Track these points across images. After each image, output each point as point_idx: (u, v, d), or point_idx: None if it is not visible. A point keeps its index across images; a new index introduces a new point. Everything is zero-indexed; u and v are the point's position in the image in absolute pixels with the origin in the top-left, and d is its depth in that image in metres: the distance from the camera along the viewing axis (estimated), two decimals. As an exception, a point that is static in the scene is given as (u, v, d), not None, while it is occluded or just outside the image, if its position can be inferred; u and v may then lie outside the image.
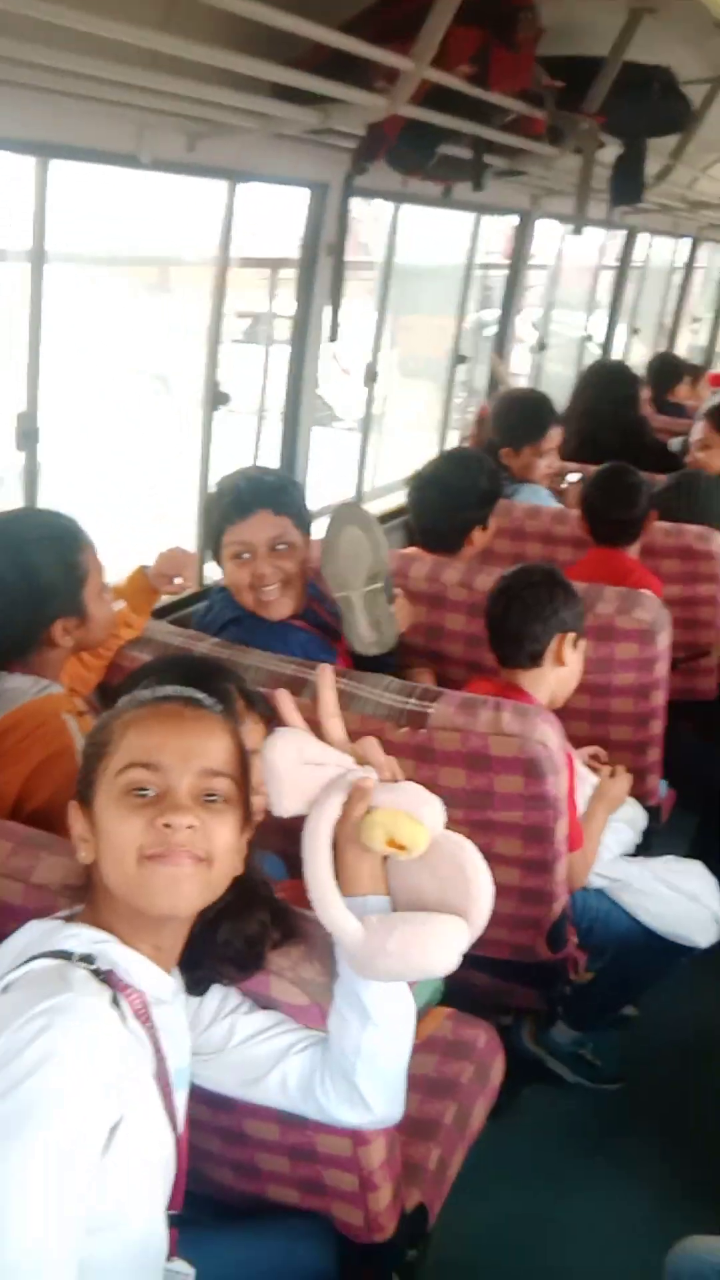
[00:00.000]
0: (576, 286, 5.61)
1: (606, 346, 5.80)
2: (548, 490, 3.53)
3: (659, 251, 6.27)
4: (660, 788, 2.69)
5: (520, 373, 5.10)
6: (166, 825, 1.15)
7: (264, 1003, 1.35)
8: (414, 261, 4.19)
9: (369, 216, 4.04)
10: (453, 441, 4.32)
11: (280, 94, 2.09)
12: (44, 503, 2.28)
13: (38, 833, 1.48)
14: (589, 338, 5.70)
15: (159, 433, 5.88)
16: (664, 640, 2.52)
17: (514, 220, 4.35)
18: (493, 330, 4.63)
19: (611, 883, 2.31)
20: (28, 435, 2.24)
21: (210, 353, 2.79)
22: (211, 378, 2.80)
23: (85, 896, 1.25)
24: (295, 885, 1.31)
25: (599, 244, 5.48)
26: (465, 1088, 1.77)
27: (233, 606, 2.25)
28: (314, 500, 2.47)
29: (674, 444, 4.24)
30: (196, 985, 1.32)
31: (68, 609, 1.78)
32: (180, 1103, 1.25)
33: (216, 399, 2.80)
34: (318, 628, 2.30)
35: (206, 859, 1.18)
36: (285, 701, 1.31)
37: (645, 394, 4.44)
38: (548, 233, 4.78)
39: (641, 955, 2.33)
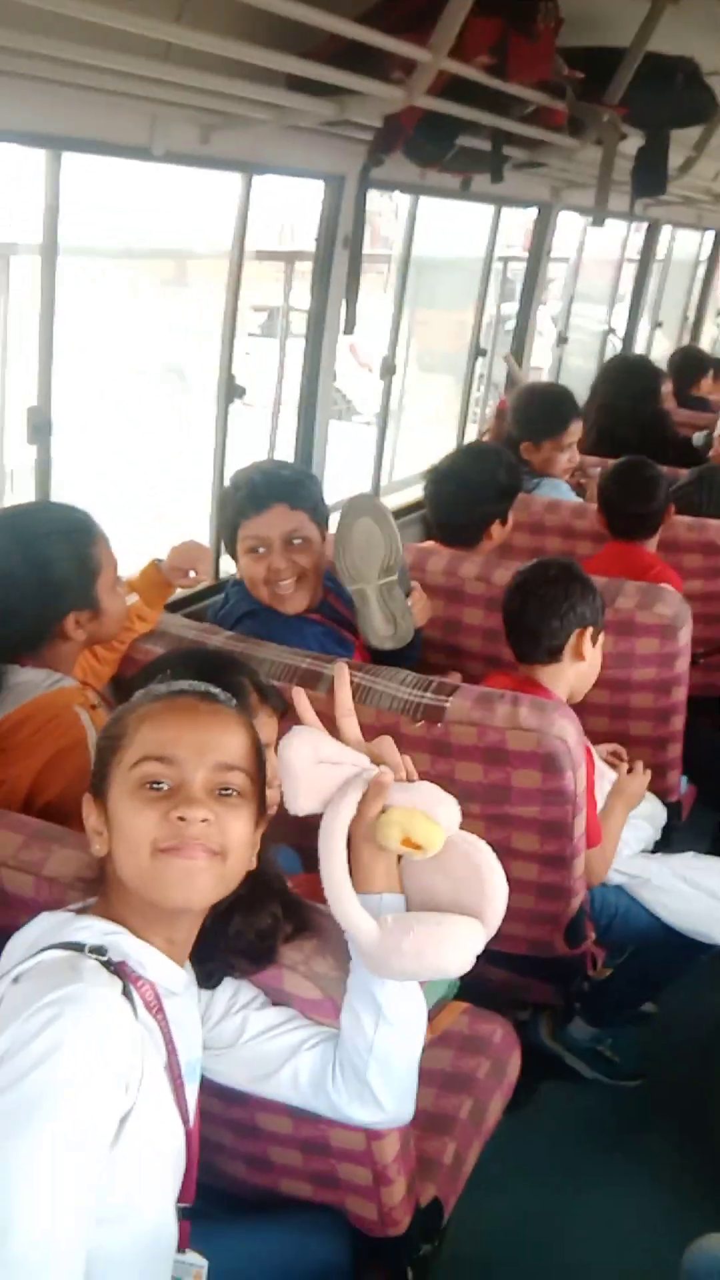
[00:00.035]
0: (599, 280, 5.58)
1: (628, 340, 5.77)
2: (568, 485, 3.50)
3: (683, 244, 6.23)
4: (681, 784, 2.67)
5: (541, 366, 5.08)
6: (181, 818, 1.15)
7: (276, 996, 1.35)
8: (434, 254, 4.18)
9: (389, 210, 4.03)
10: (472, 435, 4.30)
11: (295, 85, 2.08)
12: (57, 497, 2.28)
13: (50, 826, 1.48)
14: (611, 331, 5.67)
15: (165, 430, 5.89)
16: (685, 635, 2.50)
17: (535, 213, 4.32)
18: (514, 324, 4.61)
19: (631, 879, 2.29)
20: (40, 429, 2.25)
21: (225, 346, 2.79)
22: (226, 371, 2.80)
23: (98, 890, 1.25)
24: (311, 879, 1.31)
25: (621, 237, 5.44)
26: (481, 1083, 1.76)
27: (248, 600, 2.25)
28: (332, 494, 2.46)
29: (697, 438, 4.21)
30: (208, 978, 1.32)
31: (80, 602, 1.78)
32: (191, 1095, 1.25)
33: (232, 392, 2.80)
34: (334, 621, 2.29)
35: (221, 852, 1.18)
36: (301, 700, 1.30)
37: (667, 388, 4.41)
38: (570, 226, 4.75)
39: (661, 952, 2.31)
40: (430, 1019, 1.71)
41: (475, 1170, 1.70)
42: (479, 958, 1.25)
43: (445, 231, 4.09)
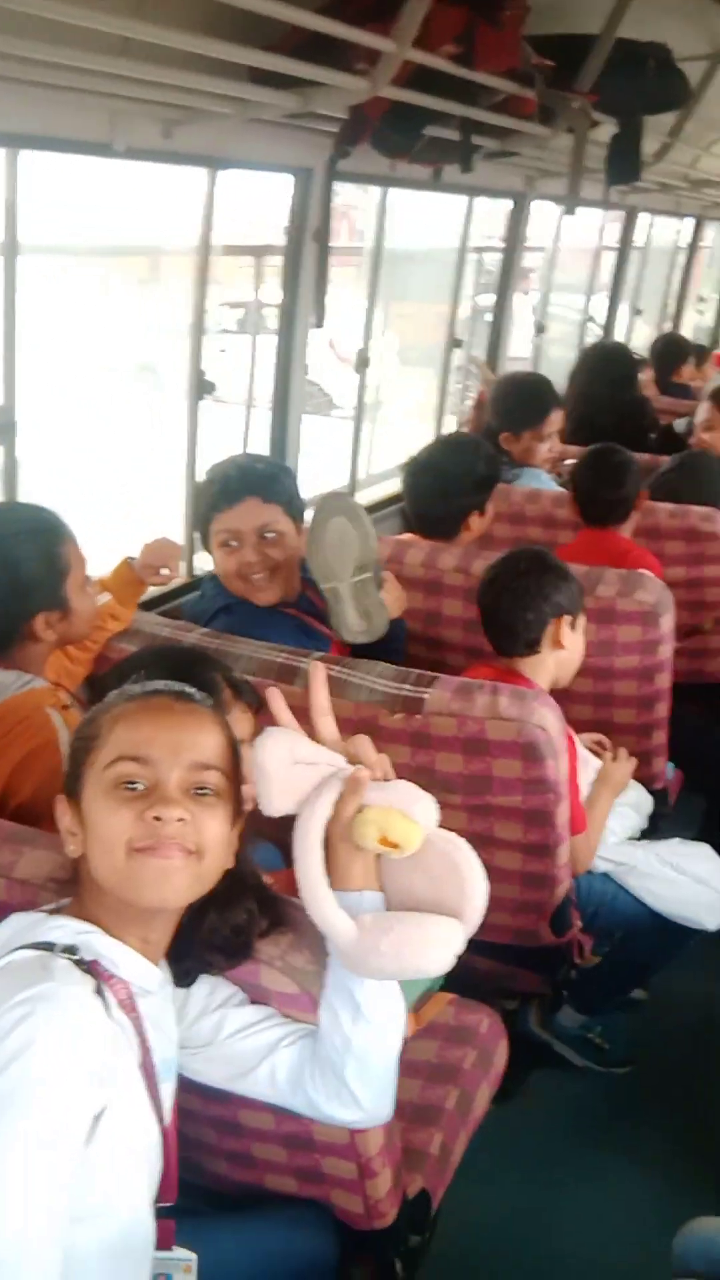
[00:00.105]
0: (578, 269, 5.57)
1: (608, 328, 5.76)
2: (549, 475, 3.50)
3: (661, 232, 6.22)
4: (667, 771, 2.67)
5: (521, 357, 5.06)
6: (156, 818, 1.15)
7: (253, 992, 1.34)
8: (413, 247, 4.16)
9: (364, 203, 4.02)
10: (450, 427, 4.29)
11: (258, 78, 2.07)
12: (24, 497, 2.27)
13: (21, 828, 1.47)
14: (590, 319, 5.66)
15: (137, 428, 5.87)
16: (667, 622, 2.49)
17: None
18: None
19: (617, 866, 2.29)
20: (4, 429, 2.24)
21: (194, 342, 2.78)
22: (196, 367, 2.79)
23: (71, 891, 1.25)
24: (291, 875, 1.30)
25: (598, 225, 5.44)
26: (468, 1073, 1.75)
27: (224, 594, 2.24)
28: (310, 488, 2.45)
29: (679, 425, 4.20)
30: (184, 976, 1.31)
31: (49, 603, 1.78)
32: (166, 1094, 1.25)
33: (201, 388, 2.79)
34: (311, 615, 2.29)
35: (197, 852, 1.17)
36: (276, 699, 1.29)
37: (648, 375, 4.40)
38: (547, 215, 4.74)
39: (649, 938, 2.31)
40: (416, 1011, 1.71)
41: (465, 1161, 1.69)
42: (464, 948, 1.24)
43: (425, 224, 4.08)
